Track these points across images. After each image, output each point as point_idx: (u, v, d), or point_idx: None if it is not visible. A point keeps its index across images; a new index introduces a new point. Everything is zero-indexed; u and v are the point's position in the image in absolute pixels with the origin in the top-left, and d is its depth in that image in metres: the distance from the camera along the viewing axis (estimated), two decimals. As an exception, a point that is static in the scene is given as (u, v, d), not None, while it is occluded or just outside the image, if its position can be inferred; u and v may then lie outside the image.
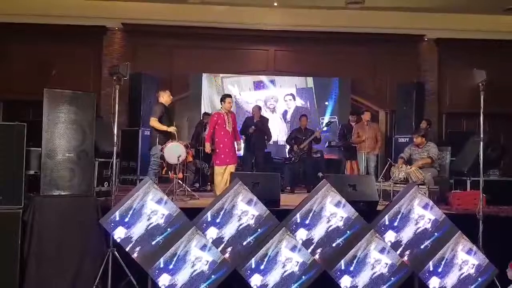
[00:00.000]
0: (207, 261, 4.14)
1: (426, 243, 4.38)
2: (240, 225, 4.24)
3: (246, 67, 10.60)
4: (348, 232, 4.31)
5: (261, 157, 8.13)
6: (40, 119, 4.47)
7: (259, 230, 4.24)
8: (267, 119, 8.62)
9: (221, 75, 10.41)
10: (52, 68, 9.85)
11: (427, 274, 4.32)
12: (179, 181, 6.28)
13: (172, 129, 6.43)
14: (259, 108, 8.59)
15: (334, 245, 4.26)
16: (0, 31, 9.70)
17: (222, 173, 6.58)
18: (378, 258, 4.27)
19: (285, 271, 4.15)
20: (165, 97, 6.76)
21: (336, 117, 10.28)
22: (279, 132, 10.17)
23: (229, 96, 6.99)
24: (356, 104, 10.61)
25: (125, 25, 10.17)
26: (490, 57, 9.90)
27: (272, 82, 10.49)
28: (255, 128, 8.02)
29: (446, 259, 4.35)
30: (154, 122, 6.46)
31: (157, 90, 7.22)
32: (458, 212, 5.38)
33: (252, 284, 4.11)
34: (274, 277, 4.13)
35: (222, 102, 6.82)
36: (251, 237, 4.22)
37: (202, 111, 9.94)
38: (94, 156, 4.82)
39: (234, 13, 10.15)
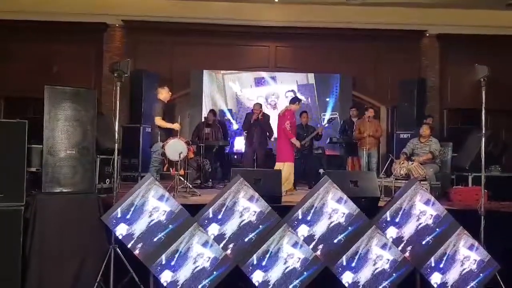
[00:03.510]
0: (209, 258, 4.15)
1: (428, 239, 4.38)
2: (242, 221, 4.24)
3: (247, 64, 10.58)
4: (349, 228, 4.31)
5: (262, 154, 8.12)
6: (41, 116, 4.46)
7: (260, 226, 4.24)
8: (268, 116, 8.61)
9: (222, 71, 10.39)
10: (53, 65, 9.86)
11: (428, 270, 4.32)
12: (181, 177, 6.28)
13: (176, 126, 6.46)
14: (260, 105, 8.57)
15: (335, 241, 4.27)
16: (0, 28, 9.69)
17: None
18: (379, 254, 4.28)
19: (286, 267, 4.16)
20: (163, 94, 6.77)
21: (337, 114, 10.26)
22: (280, 128, 10.14)
23: (301, 100, 7.66)
24: (358, 100, 10.59)
25: (125, 22, 10.16)
26: (492, 52, 9.85)
27: (273, 78, 10.47)
28: (255, 120, 8.03)
29: (448, 254, 4.36)
30: (159, 121, 6.50)
31: (157, 89, 7.18)
32: (459, 207, 5.37)
33: (254, 280, 4.11)
34: (276, 273, 4.14)
35: (296, 103, 7.31)
36: (253, 234, 4.22)
37: (203, 108, 9.94)
38: (95, 153, 4.83)
39: (235, 9, 10.12)
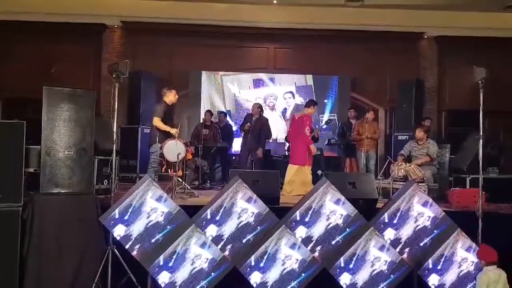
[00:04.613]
0: (207, 259, 4.15)
1: (426, 240, 4.39)
2: (240, 222, 4.25)
3: (245, 65, 10.59)
4: (347, 229, 4.32)
5: (258, 156, 8.12)
6: (40, 117, 4.46)
7: (258, 227, 4.25)
8: (267, 119, 8.61)
9: (220, 73, 10.40)
10: (52, 66, 9.86)
11: (426, 272, 4.33)
12: (179, 179, 6.28)
13: (174, 131, 6.38)
14: (259, 106, 8.58)
15: (333, 242, 4.27)
16: (-1, 29, 9.71)
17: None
18: (377, 256, 4.29)
19: (284, 269, 4.16)
20: (170, 97, 6.65)
21: (336, 115, 10.27)
22: (278, 130, 10.17)
23: (316, 103, 7.58)
24: (356, 102, 10.61)
25: (124, 23, 10.16)
26: (490, 54, 9.89)
27: (272, 80, 10.48)
28: (250, 125, 8.03)
29: (446, 256, 4.37)
30: (157, 122, 6.43)
31: (163, 89, 6.92)
32: (457, 209, 5.38)
33: (251, 281, 4.12)
34: (273, 274, 4.14)
35: (312, 107, 7.24)
36: (251, 235, 4.23)
37: (202, 109, 9.94)
38: (93, 154, 4.82)
39: (234, 10, 10.14)
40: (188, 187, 6.56)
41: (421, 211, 4.45)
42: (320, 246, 4.24)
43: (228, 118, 10.00)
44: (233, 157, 9.68)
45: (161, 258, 4.13)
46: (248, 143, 8.12)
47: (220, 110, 9.87)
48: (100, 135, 5.36)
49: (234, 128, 9.90)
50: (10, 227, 4.23)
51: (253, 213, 4.27)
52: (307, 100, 7.68)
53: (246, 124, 8.13)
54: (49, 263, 4.33)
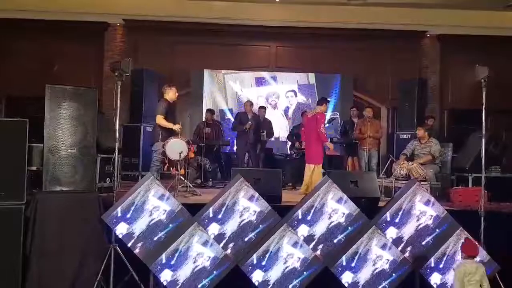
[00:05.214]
0: (209, 257, 4.16)
1: (428, 239, 4.39)
2: (242, 221, 4.25)
3: (248, 64, 10.59)
4: (349, 228, 4.32)
5: (255, 155, 8.11)
6: (42, 115, 4.48)
7: (260, 226, 4.25)
8: (259, 115, 8.62)
9: (222, 71, 10.40)
10: (54, 64, 9.87)
11: (428, 270, 4.33)
12: (181, 177, 6.28)
13: (177, 127, 6.40)
14: (251, 104, 8.57)
15: (335, 241, 4.28)
16: (1, 27, 9.71)
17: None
18: (379, 254, 4.29)
19: (286, 267, 4.17)
20: (170, 94, 6.68)
21: (338, 114, 10.27)
22: (280, 128, 10.17)
23: (329, 101, 7.48)
24: (358, 100, 10.60)
25: (126, 21, 10.17)
26: (492, 53, 9.87)
27: (274, 78, 10.48)
28: (252, 124, 8.03)
29: (448, 255, 4.36)
30: (160, 120, 6.44)
31: (163, 86, 6.93)
32: (459, 208, 5.37)
33: (253, 280, 4.12)
34: (275, 273, 4.15)
35: (324, 105, 7.16)
36: (253, 233, 4.23)
37: (204, 108, 9.94)
38: (96, 152, 4.84)
39: (236, 9, 10.13)
40: (190, 185, 6.56)
41: (423, 210, 4.45)
42: (322, 245, 4.25)
43: (229, 116, 10.00)
44: (235, 156, 9.67)
45: (163, 256, 4.13)
46: (250, 142, 8.11)
47: (208, 108, 9.76)
48: (103, 133, 5.37)
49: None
50: (12, 225, 4.25)
51: (255, 211, 4.28)
52: (320, 98, 7.61)
53: (247, 123, 8.12)
54: (51, 261, 4.34)
